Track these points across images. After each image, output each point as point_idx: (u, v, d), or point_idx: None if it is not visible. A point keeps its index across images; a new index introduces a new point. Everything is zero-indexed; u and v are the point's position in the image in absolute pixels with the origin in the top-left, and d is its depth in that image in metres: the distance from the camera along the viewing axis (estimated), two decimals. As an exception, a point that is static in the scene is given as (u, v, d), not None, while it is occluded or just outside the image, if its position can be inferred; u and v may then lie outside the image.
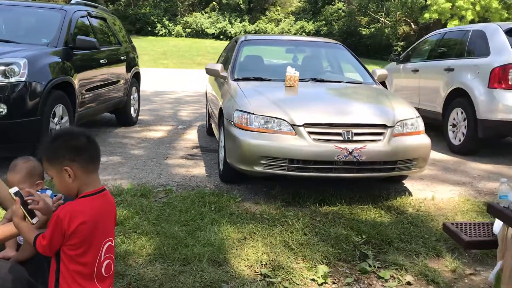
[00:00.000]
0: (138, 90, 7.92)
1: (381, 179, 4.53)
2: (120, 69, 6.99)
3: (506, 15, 27.07)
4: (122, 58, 7.10)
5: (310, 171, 3.88)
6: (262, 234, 3.31)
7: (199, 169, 5.02)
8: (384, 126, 3.97)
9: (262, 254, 3.03)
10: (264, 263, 2.93)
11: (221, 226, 3.41)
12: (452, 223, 2.50)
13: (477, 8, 26.33)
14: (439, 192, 4.52)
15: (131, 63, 7.51)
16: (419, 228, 3.56)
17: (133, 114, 7.55)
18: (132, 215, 3.55)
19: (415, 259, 3.10)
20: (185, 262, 2.87)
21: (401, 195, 4.34)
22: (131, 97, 7.44)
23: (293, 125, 3.89)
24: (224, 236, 3.25)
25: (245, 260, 2.94)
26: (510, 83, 5.40)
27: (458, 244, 2.47)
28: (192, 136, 6.84)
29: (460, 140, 6.09)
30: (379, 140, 3.90)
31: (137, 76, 7.91)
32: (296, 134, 3.87)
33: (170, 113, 9.08)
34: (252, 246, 3.13)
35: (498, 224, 2.24)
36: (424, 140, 4.16)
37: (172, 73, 19.23)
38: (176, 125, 7.76)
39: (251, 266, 2.89)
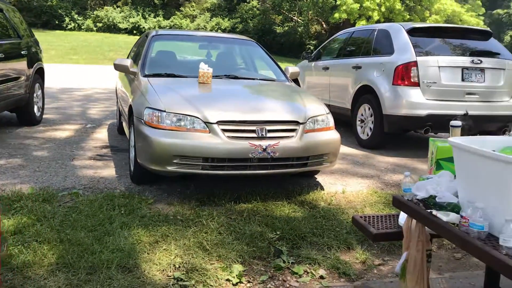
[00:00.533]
0: (42, 87, 7.40)
1: (295, 175, 4.60)
2: (21, 65, 6.48)
3: (408, 16, 28.95)
4: (22, 52, 6.58)
5: (225, 169, 3.83)
6: (176, 236, 3.20)
7: (108, 170, 4.78)
8: (296, 123, 4.03)
9: (175, 257, 2.92)
10: (177, 266, 2.83)
11: (131, 230, 3.25)
12: (361, 216, 2.56)
13: (383, 9, 27.89)
14: (349, 185, 4.68)
15: (33, 58, 6.98)
16: (331, 221, 3.65)
17: (37, 113, 7.04)
18: (33, 222, 3.27)
19: (328, 252, 3.17)
20: (92, 270, 2.69)
21: (313, 189, 4.44)
22: (34, 95, 6.93)
23: (207, 123, 3.81)
24: (134, 240, 3.10)
25: (157, 265, 2.82)
26: (412, 80, 5.74)
27: (366, 236, 2.54)
28: (101, 135, 6.52)
29: (367, 135, 6.37)
30: (292, 136, 3.95)
31: (40, 72, 7.38)
32: (210, 132, 3.79)
33: (79, 111, 8.60)
34: (164, 249, 3.01)
35: (403, 216, 2.32)
36: (334, 135, 4.27)
37: (82, 69, 18.30)
38: (84, 123, 7.36)
39: (163, 270, 2.78)
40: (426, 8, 31.17)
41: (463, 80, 5.80)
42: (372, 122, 6.22)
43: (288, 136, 3.93)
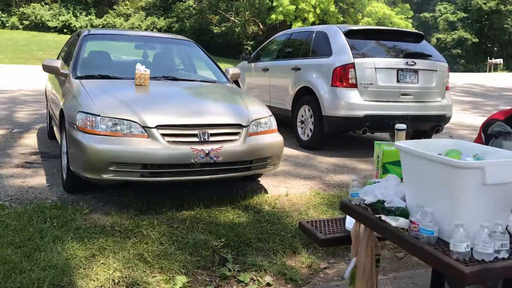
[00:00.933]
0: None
1: (238, 179, 4.52)
2: None
3: (342, 18, 29.80)
4: None
5: (166, 176, 3.67)
6: (114, 249, 3.01)
7: (38, 179, 4.46)
8: (239, 126, 3.94)
9: (114, 271, 2.74)
10: (116, 281, 2.66)
11: (65, 244, 3.02)
12: (308, 221, 2.52)
13: (318, 11, 28.52)
14: (292, 188, 4.66)
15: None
16: (276, 225, 3.60)
17: (-44, 117, 6.49)
18: (-49, 241, 2.96)
19: (274, 258, 3.11)
20: (21, 291, 2.46)
21: (257, 193, 4.37)
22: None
23: (145, 127, 3.64)
24: (69, 255, 2.88)
25: (94, 280, 2.64)
26: (350, 81, 5.83)
27: (314, 242, 2.50)
28: (30, 141, 6.11)
29: (308, 136, 6.41)
30: (235, 140, 3.86)
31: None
32: (148, 137, 3.62)
33: (4, 115, 8.04)
34: (102, 263, 2.82)
35: (349, 220, 2.30)
36: (277, 138, 4.23)
37: (7, 70, 17.22)
38: (10, 128, 6.87)
39: (101, 286, 2.60)
40: (359, 11, 32.28)
41: (398, 81, 5.97)
42: (312, 123, 6.27)
43: (231, 140, 3.84)
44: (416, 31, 6.75)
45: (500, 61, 37.98)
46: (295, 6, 28.01)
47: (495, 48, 43.87)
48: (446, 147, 1.97)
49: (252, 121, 4.05)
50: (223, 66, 5.87)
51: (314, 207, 4.07)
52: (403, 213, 1.90)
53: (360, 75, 5.83)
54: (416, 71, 6.06)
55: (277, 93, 7.25)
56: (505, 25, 39.33)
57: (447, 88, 6.40)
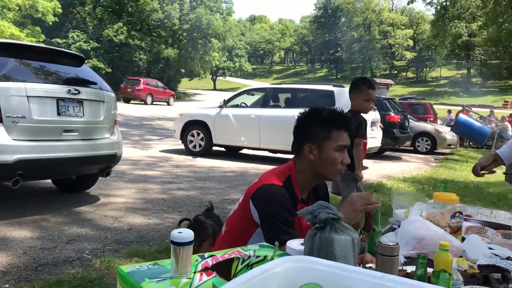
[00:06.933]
0: None
1: None
2: None
3: None
4: None
5: None
6: None
7: None
8: None
9: None
10: None
11: None
12: None
13: None
14: None
15: None
16: None
17: None
18: None
19: None
20: None
21: None
22: None
23: None
24: None
25: None
26: (-10, 114, 4.10)
27: None
28: None
29: None
30: None
31: None
32: None
33: None
34: None
35: None
36: None
37: None
38: None
39: None
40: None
41: (59, 114, 4.62)
42: None
43: None
44: (76, 53, 5.52)
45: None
46: None
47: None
48: (296, 281, 0.96)
49: None
50: None
51: None
52: None
53: (6, 106, 4.20)
54: (80, 102, 4.86)
55: None
56: (134, 58, 42.05)
57: (115, 122, 5.46)
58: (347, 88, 9.33)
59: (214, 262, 1.04)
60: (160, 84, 33.63)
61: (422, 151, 14.56)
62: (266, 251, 1.14)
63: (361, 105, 3.78)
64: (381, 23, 67.60)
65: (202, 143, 10.18)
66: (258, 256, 1.01)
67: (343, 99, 8.87)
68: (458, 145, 16.66)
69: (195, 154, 10.16)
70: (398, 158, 12.83)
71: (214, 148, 10.34)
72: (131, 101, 30.31)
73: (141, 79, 31.41)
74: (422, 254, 1.38)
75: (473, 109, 20.38)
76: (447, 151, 15.60)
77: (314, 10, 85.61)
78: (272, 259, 1.04)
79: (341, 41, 71.61)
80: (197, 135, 10.23)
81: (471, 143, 17.35)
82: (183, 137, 10.38)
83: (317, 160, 1.74)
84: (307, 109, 1.82)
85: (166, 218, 5.00)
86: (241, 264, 1.00)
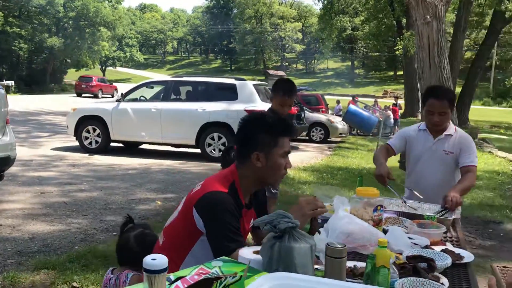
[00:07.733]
0: None
1: None
2: None
3: None
4: None
5: None
6: None
7: None
8: None
9: None
10: None
11: None
12: None
13: None
14: None
15: None
16: None
17: None
18: None
19: None
20: None
21: None
22: None
23: None
24: None
25: None
26: None
27: None
28: None
29: None
30: None
31: None
32: None
33: None
34: None
35: None
36: None
37: None
38: None
39: None
40: None
41: None
42: None
43: None
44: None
45: (12, 83, 36.90)
46: None
47: (4, 70, 42.45)
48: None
49: None
50: None
51: None
52: None
53: None
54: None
55: None
56: (13, 47, 38.63)
57: (7, 122, 4.98)
58: (249, 81, 9.53)
59: (186, 286, 1.00)
60: (107, 80, 40.70)
61: (317, 140, 15.32)
62: (233, 267, 1.12)
63: (277, 108, 3.67)
64: (272, 15, 69.47)
65: (99, 140, 9.68)
66: (234, 276, 0.99)
67: (245, 92, 8.98)
68: (348, 134, 17.78)
69: (91, 151, 9.63)
70: (295, 148, 13.35)
71: (112, 144, 9.90)
72: (82, 95, 34.69)
73: (93, 77, 37.37)
74: (372, 255, 1.46)
75: (359, 99, 21.86)
76: (339, 139, 16.57)
77: (206, 0, 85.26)
78: (247, 277, 1.03)
79: (234, 33, 72.34)
80: (93, 131, 9.70)
81: (359, 131, 18.60)
82: (77, 133, 9.78)
83: (264, 167, 1.75)
84: (249, 116, 1.82)
85: (71, 223, 4.69)
86: (220, 286, 0.97)
